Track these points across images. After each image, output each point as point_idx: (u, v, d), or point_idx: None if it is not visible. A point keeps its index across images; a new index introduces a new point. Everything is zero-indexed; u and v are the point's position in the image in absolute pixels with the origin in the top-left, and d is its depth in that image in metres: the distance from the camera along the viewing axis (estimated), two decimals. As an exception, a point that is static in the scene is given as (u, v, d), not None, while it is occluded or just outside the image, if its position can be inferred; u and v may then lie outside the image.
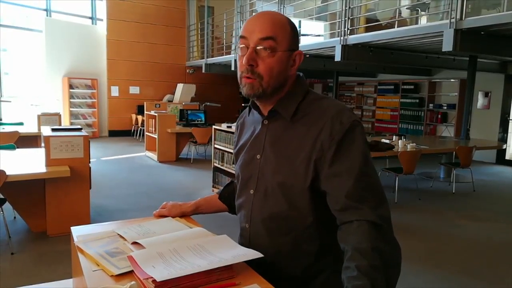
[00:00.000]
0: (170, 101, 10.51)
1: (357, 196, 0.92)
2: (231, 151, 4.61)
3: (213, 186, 5.15)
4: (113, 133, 11.05)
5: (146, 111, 8.28)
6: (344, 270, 0.86)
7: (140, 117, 10.14)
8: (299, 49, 1.06)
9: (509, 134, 8.31)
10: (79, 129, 3.86)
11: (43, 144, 3.55)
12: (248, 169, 1.12)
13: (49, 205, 3.45)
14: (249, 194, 1.11)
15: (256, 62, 0.99)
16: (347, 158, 0.95)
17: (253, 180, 1.10)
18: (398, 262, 0.92)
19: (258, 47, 0.98)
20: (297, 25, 9.44)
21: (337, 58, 5.84)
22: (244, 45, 1.00)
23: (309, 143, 0.99)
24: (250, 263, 1.00)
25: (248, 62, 0.99)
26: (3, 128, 5.54)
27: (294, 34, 1.02)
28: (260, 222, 1.08)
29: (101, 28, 10.93)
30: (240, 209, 1.17)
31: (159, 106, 9.00)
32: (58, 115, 6.11)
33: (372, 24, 6.02)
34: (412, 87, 9.73)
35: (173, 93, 10.93)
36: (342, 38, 5.76)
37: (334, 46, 5.93)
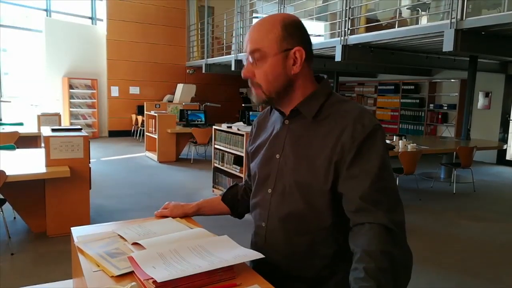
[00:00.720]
0: (170, 101, 10.51)
1: (371, 198, 0.92)
2: (232, 151, 4.61)
3: (213, 187, 5.14)
4: (113, 134, 11.04)
5: (146, 111, 8.28)
6: (352, 271, 0.86)
7: (140, 118, 10.14)
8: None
9: (509, 134, 8.30)
10: (79, 129, 3.86)
11: (43, 145, 3.54)
12: (266, 168, 1.12)
13: (49, 206, 3.45)
14: (267, 193, 1.11)
15: (253, 72, 1.03)
16: (366, 161, 0.95)
17: (271, 179, 1.10)
18: (408, 267, 0.91)
19: (251, 59, 1.02)
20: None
21: (338, 58, 5.83)
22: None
23: (330, 144, 0.99)
24: (263, 263, 0.99)
25: (244, 76, 1.05)
26: (3, 128, 5.54)
27: (288, 33, 1.00)
28: (277, 221, 1.08)
29: (101, 28, 10.93)
30: (256, 208, 1.16)
31: (159, 106, 9.00)
32: (58, 115, 6.11)
33: (373, 24, 6.01)
34: (412, 87, 9.72)
35: (173, 93, 10.93)
36: (342, 38, 5.76)
37: (335, 46, 5.93)
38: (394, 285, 0.83)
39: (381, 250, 0.85)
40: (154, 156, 7.55)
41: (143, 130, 8.85)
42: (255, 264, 1.09)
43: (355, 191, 0.94)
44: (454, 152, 5.95)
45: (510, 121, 8.25)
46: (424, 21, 6.22)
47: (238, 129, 4.44)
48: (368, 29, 6.00)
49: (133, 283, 0.86)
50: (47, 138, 3.37)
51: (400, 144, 5.22)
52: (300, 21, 1.04)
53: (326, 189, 0.99)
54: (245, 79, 1.04)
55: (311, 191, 1.01)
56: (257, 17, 10.44)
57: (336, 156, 0.97)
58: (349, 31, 5.73)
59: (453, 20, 4.35)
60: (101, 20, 10.98)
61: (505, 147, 7.19)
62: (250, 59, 1.02)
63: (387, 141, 5.38)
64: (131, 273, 0.93)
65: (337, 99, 1.06)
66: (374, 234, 0.88)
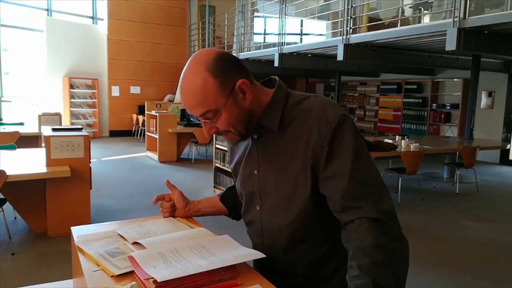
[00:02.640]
0: (171, 101, 10.51)
1: (354, 195, 0.90)
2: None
3: (214, 187, 5.13)
4: (114, 133, 11.05)
5: (147, 111, 8.26)
6: (348, 269, 0.85)
7: (141, 117, 10.14)
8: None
9: (512, 134, 8.27)
10: (80, 129, 3.84)
11: (43, 144, 3.53)
12: (248, 186, 1.10)
13: (49, 205, 3.44)
14: (256, 210, 1.10)
15: (215, 127, 0.98)
16: (339, 158, 0.92)
17: (256, 196, 1.09)
18: (405, 256, 0.89)
19: (204, 120, 0.98)
20: (298, 24, 9.29)
21: (339, 57, 5.81)
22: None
23: (301, 149, 0.97)
24: (267, 272, 1.00)
25: (209, 134, 1.00)
26: (4, 128, 5.53)
27: (222, 76, 0.93)
28: (271, 236, 1.07)
29: (102, 27, 10.93)
30: (250, 225, 1.15)
31: (160, 106, 8.98)
32: (58, 115, 6.12)
33: (375, 23, 5.99)
34: (415, 86, 9.70)
35: (174, 93, 10.93)
36: (344, 37, 5.73)
37: (336, 46, 5.91)
38: (392, 276, 0.82)
39: (374, 244, 0.83)
40: (155, 156, 7.54)
41: (144, 130, 8.85)
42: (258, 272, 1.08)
43: (336, 191, 0.92)
44: (457, 152, 5.93)
45: (513, 120, 8.22)
46: (426, 20, 6.20)
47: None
48: (370, 28, 5.98)
49: (133, 283, 0.85)
50: (47, 138, 3.36)
51: (402, 143, 5.20)
52: (220, 51, 0.97)
53: (308, 196, 0.97)
54: (210, 136, 1.02)
55: (296, 201, 0.99)
56: (258, 17, 10.43)
57: (311, 159, 0.95)
58: (351, 30, 5.71)
59: (456, 19, 4.32)
60: (102, 19, 11.00)
61: (508, 147, 7.15)
62: (203, 120, 0.98)
63: (390, 141, 5.36)
64: (131, 273, 0.93)
65: (296, 100, 1.02)
66: (364, 229, 0.86)
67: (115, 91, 11.03)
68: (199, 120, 1.00)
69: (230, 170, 1.24)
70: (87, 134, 3.61)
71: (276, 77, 1.07)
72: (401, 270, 0.86)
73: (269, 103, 1.01)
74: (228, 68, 0.94)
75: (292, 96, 1.03)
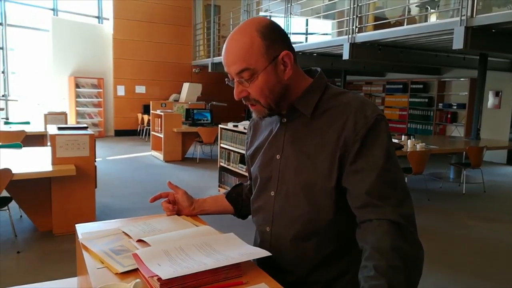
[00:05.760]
0: (176, 100, 10.52)
1: (379, 193, 0.89)
2: (238, 150, 4.58)
3: (219, 186, 5.13)
4: (119, 133, 11.08)
5: (152, 110, 8.28)
6: (362, 269, 0.82)
7: (146, 117, 10.15)
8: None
9: (519, 134, 8.19)
10: (85, 128, 3.85)
11: (49, 143, 3.54)
12: (267, 170, 1.08)
13: (55, 204, 3.45)
14: (270, 196, 1.07)
15: (246, 91, 0.98)
16: (371, 154, 0.91)
17: (273, 181, 1.06)
18: (419, 262, 0.88)
19: (239, 80, 0.96)
20: (303, 24, 9.28)
21: (345, 56, 5.79)
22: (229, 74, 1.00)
23: (332, 139, 0.95)
24: (268, 268, 0.98)
25: (239, 96, 0.99)
26: (10, 127, 5.57)
27: (269, 40, 0.94)
28: (282, 225, 1.05)
29: (108, 27, 10.97)
30: (258, 212, 1.12)
31: (165, 106, 9.01)
32: (64, 114, 6.15)
33: (381, 22, 5.96)
34: (421, 86, 9.64)
35: (179, 93, 10.95)
36: (350, 36, 5.71)
37: (342, 45, 5.89)
38: (406, 282, 0.80)
39: (392, 247, 0.82)
40: (159, 155, 7.55)
41: (149, 129, 8.86)
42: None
43: (361, 185, 0.90)
44: (464, 152, 5.88)
45: (520, 120, 8.14)
46: (433, 18, 6.15)
47: (244, 128, 4.41)
48: (376, 27, 5.95)
49: (138, 280, 0.83)
50: (53, 137, 3.37)
51: (408, 143, 5.16)
52: (273, 21, 0.98)
53: (330, 187, 0.95)
54: (239, 99, 1.00)
55: (315, 191, 0.97)
56: (263, 16, 10.43)
57: (340, 150, 0.94)
58: (357, 29, 5.68)
59: (463, 18, 4.28)
60: (108, 19, 11.04)
61: (515, 147, 7.09)
62: (238, 79, 0.96)
63: (396, 141, 5.32)
64: (135, 270, 0.92)
65: (335, 92, 1.02)
66: (383, 230, 0.85)
67: (121, 90, 11.06)
68: (233, 80, 0.98)
69: (246, 155, 1.22)
70: (93, 133, 3.62)
71: (318, 68, 1.08)
72: (414, 277, 0.84)
73: (308, 88, 1.02)
74: (277, 37, 0.96)
75: (331, 88, 1.03)
